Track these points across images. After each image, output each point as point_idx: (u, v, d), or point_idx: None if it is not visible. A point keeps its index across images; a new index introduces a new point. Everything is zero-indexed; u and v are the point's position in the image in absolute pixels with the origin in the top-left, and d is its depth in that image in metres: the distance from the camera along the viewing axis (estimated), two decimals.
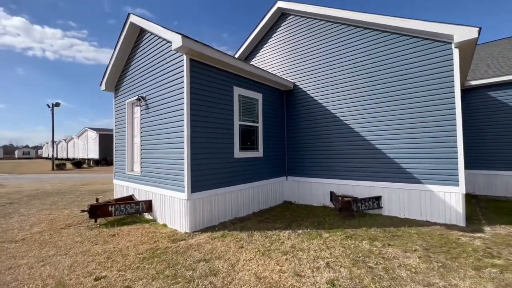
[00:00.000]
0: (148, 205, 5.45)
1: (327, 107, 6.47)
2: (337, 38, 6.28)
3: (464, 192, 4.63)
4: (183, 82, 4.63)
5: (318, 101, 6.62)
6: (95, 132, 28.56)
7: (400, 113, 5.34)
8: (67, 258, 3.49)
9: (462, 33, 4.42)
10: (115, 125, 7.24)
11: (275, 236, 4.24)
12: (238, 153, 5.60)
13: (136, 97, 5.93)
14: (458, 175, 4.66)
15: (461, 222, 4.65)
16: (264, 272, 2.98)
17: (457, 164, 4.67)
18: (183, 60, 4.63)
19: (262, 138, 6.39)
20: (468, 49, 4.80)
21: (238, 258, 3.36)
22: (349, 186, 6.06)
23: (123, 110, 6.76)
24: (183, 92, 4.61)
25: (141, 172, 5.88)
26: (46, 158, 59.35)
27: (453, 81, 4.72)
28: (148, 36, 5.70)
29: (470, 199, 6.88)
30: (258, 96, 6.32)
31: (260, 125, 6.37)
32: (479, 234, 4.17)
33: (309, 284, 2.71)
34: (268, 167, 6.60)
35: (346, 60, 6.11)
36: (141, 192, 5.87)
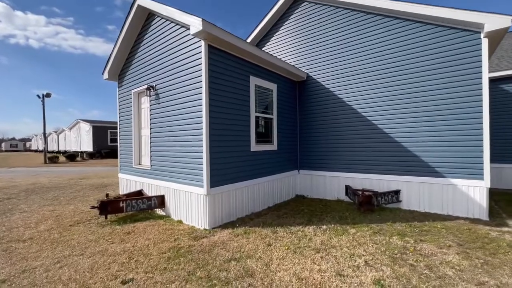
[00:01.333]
0: (160, 201, 5.19)
1: (341, 98, 6.26)
2: (354, 27, 6.02)
3: (489, 186, 4.56)
4: (200, 70, 4.32)
5: (333, 91, 6.41)
6: (89, 124, 27.66)
7: (422, 105, 5.18)
8: (84, 258, 3.24)
9: (494, 22, 4.24)
10: (120, 116, 6.86)
11: (300, 232, 4.08)
12: (254, 146, 5.37)
13: (145, 86, 5.57)
14: (483, 169, 4.57)
15: (485, 216, 4.59)
16: (303, 272, 2.81)
17: (483, 157, 4.57)
18: (200, 46, 4.31)
19: (276, 130, 6.17)
20: (496, 39, 4.64)
21: (270, 257, 3.18)
22: (365, 179, 5.94)
23: (129, 100, 6.39)
24: (201, 81, 4.31)
25: (151, 166, 5.59)
26: (35, 151, 57.55)
27: (481, 72, 4.57)
28: (159, 21, 5.31)
29: None
30: (273, 87, 6.06)
31: (274, 117, 6.13)
32: (506, 229, 4.11)
33: (355, 284, 2.56)
34: (282, 161, 6.41)
35: (364, 49, 5.87)
36: (151, 186, 5.59)
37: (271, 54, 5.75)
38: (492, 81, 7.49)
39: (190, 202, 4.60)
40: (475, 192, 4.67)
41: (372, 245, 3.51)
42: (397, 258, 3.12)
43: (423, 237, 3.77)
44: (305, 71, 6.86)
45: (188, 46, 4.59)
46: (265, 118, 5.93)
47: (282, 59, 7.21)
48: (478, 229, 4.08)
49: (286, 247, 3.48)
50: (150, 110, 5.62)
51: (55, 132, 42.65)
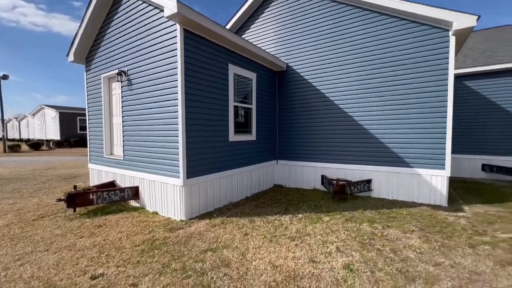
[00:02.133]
0: (134, 192, 5.00)
1: (319, 90, 6.35)
2: (333, 18, 6.04)
3: (449, 175, 4.96)
4: (176, 56, 4.11)
5: (311, 83, 6.47)
6: (55, 110, 25.53)
7: (392, 98, 5.42)
8: (49, 254, 3.05)
9: (462, 21, 4.47)
10: (88, 103, 6.40)
11: (277, 221, 4.16)
12: (232, 136, 5.31)
13: (116, 71, 5.21)
14: (445, 159, 4.94)
15: (444, 203, 5.01)
16: (278, 260, 2.89)
17: (445, 149, 4.93)
18: (176, 30, 4.08)
19: (255, 121, 6.14)
20: (463, 37, 4.91)
21: (247, 246, 3.23)
22: (339, 169, 6.17)
23: (98, 86, 5.96)
24: (176, 68, 4.11)
25: (124, 156, 5.33)
26: None
27: (448, 68, 4.84)
28: (129, 0, 4.92)
29: None
30: (252, 76, 5.96)
31: (253, 107, 6.08)
32: (461, 214, 4.53)
33: (326, 269, 2.68)
34: (261, 151, 6.43)
35: (341, 41, 5.94)
36: (124, 177, 5.35)
37: (251, 43, 5.61)
38: (456, 77, 8.02)
39: (166, 193, 4.48)
40: (437, 181, 5.05)
41: (344, 232, 3.69)
42: (366, 243, 3.32)
43: (390, 223, 4.03)
44: (285, 61, 6.82)
45: (162, 30, 4.33)
46: (244, 108, 5.86)
47: (262, 48, 7.09)
48: (438, 215, 4.44)
49: (263, 236, 3.54)
50: (122, 97, 5.29)
51: (16, 118, 39.02)
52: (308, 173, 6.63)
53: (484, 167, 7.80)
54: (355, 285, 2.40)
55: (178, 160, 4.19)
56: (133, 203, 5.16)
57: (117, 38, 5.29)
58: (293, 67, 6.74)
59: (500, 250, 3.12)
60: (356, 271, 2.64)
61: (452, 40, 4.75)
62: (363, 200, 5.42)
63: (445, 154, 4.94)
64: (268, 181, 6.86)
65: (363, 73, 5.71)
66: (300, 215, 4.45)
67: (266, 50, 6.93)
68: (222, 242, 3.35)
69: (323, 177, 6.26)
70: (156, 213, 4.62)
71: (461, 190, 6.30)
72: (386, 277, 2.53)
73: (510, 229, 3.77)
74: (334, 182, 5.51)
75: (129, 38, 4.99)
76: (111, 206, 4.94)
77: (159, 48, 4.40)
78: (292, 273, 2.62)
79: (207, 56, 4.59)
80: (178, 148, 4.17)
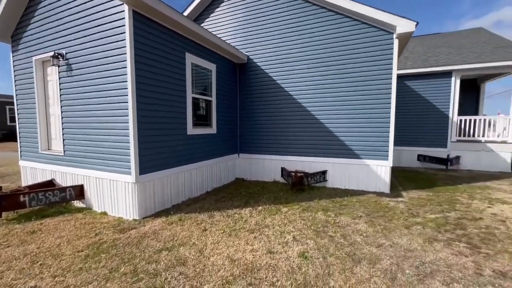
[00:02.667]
0: (78, 191, 4.48)
1: (279, 84, 6.46)
2: (291, 13, 6.14)
3: (391, 165, 5.54)
4: (124, 40, 3.72)
5: (272, 77, 6.53)
6: None
7: (344, 95, 5.78)
8: None
9: (404, 25, 4.94)
10: (17, 89, 5.46)
11: (236, 215, 4.16)
12: (191, 130, 5.09)
13: (51, 53, 4.51)
14: (388, 151, 5.49)
15: (387, 190, 5.60)
16: (236, 253, 2.89)
17: (389, 141, 5.47)
18: (123, 11, 3.68)
19: (215, 113, 5.98)
20: (404, 40, 5.44)
21: (205, 242, 3.15)
22: (298, 162, 6.42)
23: (29, 70, 5.11)
24: (125, 53, 3.73)
25: (64, 151, 4.71)
26: None
27: (392, 69, 5.34)
28: None
29: None
30: (212, 67, 5.76)
31: (213, 99, 5.90)
32: (400, 199, 5.12)
33: (283, 259, 2.77)
34: (222, 144, 6.32)
35: (299, 37, 6.10)
36: (66, 175, 4.75)
37: (210, 32, 5.39)
38: (399, 77, 8.93)
39: (115, 192, 4.10)
40: (381, 171, 5.61)
41: (301, 222, 3.86)
42: (320, 231, 3.52)
43: (341, 211, 4.35)
44: (246, 53, 6.74)
45: (108, 10, 3.86)
46: (203, 100, 5.65)
47: (223, 38, 6.88)
48: (382, 201, 4.94)
49: (222, 231, 3.50)
50: (59, 83, 4.62)
51: None
52: (269, 166, 6.76)
53: (419, 157, 8.93)
54: (308, 272, 2.53)
55: (129, 155, 3.85)
56: (77, 203, 4.63)
57: (54, 15, 4.57)
58: (254, 60, 6.71)
59: (429, 229, 3.60)
60: (310, 258, 2.78)
61: (396, 42, 5.23)
62: (319, 190, 5.74)
63: (388, 147, 5.48)
64: (230, 174, 6.81)
65: (320, 69, 5.97)
66: (260, 208, 4.52)
67: (226, 41, 6.74)
68: (179, 240, 3.21)
69: (282, 169, 6.44)
70: (105, 213, 4.22)
71: (401, 178, 7.12)
72: (336, 261, 2.72)
73: (437, 210, 4.39)
74: (293, 174, 5.71)
75: (69, 16, 4.35)
76: (50, 208, 4.35)
77: (104, 31, 3.93)
78: (250, 265, 2.64)
79: (161, 42, 4.26)
80: (128, 142, 3.83)
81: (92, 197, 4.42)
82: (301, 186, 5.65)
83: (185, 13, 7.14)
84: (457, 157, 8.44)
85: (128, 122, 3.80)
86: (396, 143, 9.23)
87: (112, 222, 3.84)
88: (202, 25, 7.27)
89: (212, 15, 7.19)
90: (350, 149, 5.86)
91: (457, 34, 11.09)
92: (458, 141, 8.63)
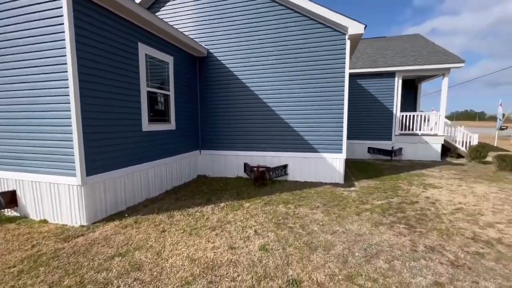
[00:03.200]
0: (9, 198, 3.86)
1: (240, 79, 6.43)
2: (252, 9, 6.12)
3: (345, 158, 5.98)
4: (62, 24, 3.28)
5: (232, 71, 6.47)
6: None
7: (303, 90, 6.02)
8: None
9: (355, 27, 5.31)
10: None
11: (198, 213, 4.06)
12: (147, 126, 4.77)
13: None
14: (342, 145, 5.91)
15: (342, 181, 6.04)
16: (197, 252, 2.82)
17: (342, 136, 5.89)
18: None
19: (174, 108, 5.70)
20: (355, 41, 5.86)
21: (163, 244, 3.01)
22: (260, 157, 6.52)
23: None
24: (63, 39, 3.29)
25: None
26: None
27: (344, 68, 5.72)
28: None
29: None
30: (169, 59, 5.46)
31: (172, 93, 5.61)
32: (353, 188, 5.57)
33: (244, 254, 2.80)
34: (182, 141, 6.07)
35: (259, 32, 6.13)
36: None
37: (166, 22, 5.07)
38: (351, 76, 9.64)
39: (57, 196, 3.65)
40: (336, 163, 6.02)
41: (262, 215, 3.93)
42: (280, 223, 3.64)
43: (301, 203, 4.56)
44: (206, 46, 6.54)
45: None
46: (160, 95, 5.33)
47: (181, 30, 6.55)
48: (336, 191, 5.32)
49: (182, 231, 3.38)
50: None
51: None
52: (231, 162, 6.73)
53: (369, 149, 9.82)
54: (269, 264, 2.60)
55: (72, 155, 3.45)
56: (8, 212, 4.00)
57: None
58: (214, 53, 6.54)
59: (376, 214, 4.00)
60: (270, 250, 2.86)
61: (348, 43, 5.60)
62: (280, 184, 5.92)
63: (342, 140, 5.90)
64: (191, 172, 6.60)
65: (279, 65, 6.10)
66: (222, 204, 4.48)
67: (184, 33, 6.44)
68: (134, 244, 3.01)
69: (245, 164, 6.48)
70: (45, 221, 3.73)
71: (354, 169, 7.75)
72: (295, 251, 2.85)
73: (382, 197, 4.89)
74: (255, 169, 5.79)
75: None
76: None
77: (38, 12, 3.40)
78: (211, 263, 2.61)
79: (109, 30, 3.86)
80: (71, 141, 3.42)
81: (28, 204, 3.86)
82: (263, 181, 5.76)
83: (137, 0, 6.60)
84: (400, 149, 9.51)
85: (70, 118, 3.39)
86: (349, 137, 9.98)
87: (54, 230, 3.41)
88: (158, 12, 6.81)
89: (168, 4, 6.77)
90: (309, 143, 6.15)
91: (400, 38, 12.38)
92: (400, 134, 9.71)
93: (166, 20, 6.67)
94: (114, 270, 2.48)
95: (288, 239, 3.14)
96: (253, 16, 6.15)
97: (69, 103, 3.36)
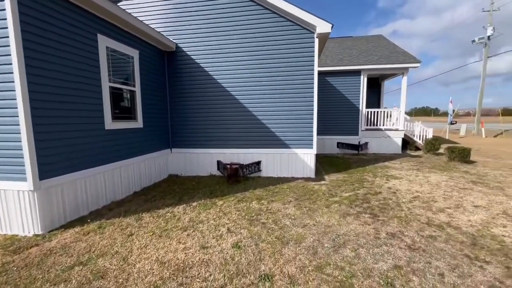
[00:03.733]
0: None
1: (212, 75, 6.31)
2: (222, 4, 6.01)
3: (316, 153, 6.20)
4: (4, 10, 2.90)
5: (203, 67, 6.31)
6: None
7: (275, 87, 6.09)
8: None
9: (323, 26, 5.48)
10: None
11: (169, 213, 3.92)
12: (110, 124, 4.46)
13: None
14: (312, 140, 6.11)
15: (313, 175, 6.26)
16: (167, 255, 2.72)
17: (313, 132, 6.08)
18: None
19: (141, 105, 5.40)
20: (323, 40, 6.05)
21: (130, 248, 2.85)
22: (234, 154, 6.48)
23: None
24: (6, 27, 2.92)
25: None
26: None
27: (314, 65, 5.89)
28: None
29: None
30: (134, 53, 5.14)
31: (138, 89, 5.30)
32: (323, 182, 5.80)
33: (216, 252, 2.76)
34: (150, 140, 5.79)
35: (229, 28, 6.05)
36: None
37: (128, 13, 4.75)
38: (321, 73, 9.98)
39: (4, 204, 3.26)
40: (308, 158, 6.21)
41: (235, 213, 3.92)
42: (254, 219, 3.66)
43: (274, 198, 4.63)
44: (174, 41, 6.28)
45: None
46: (125, 91, 5.01)
47: (147, 22, 6.19)
48: (308, 185, 5.49)
49: (151, 233, 3.24)
50: None
51: None
52: (204, 160, 6.60)
53: (338, 144, 10.29)
54: (241, 261, 2.60)
55: (22, 157, 3.10)
56: None
57: None
58: (183, 49, 6.31)
59: (344, 205, 4.21)
60: (243, 247, 2.86)
61: (316, 41, 5.77)
62: (254, 180, 5.96)
63: (312, 136, 6.09)
64: (162, 171, 6.35)
65: (251, 61, 6.09)
66: (194, 203, 4.38)
67: (152, 26, 6.10)
68: (98, 251, 2.81)
69: (218, 162, 6.40)
70: None
71: (324, 164, 8.07)
72: (267, 246, 2.89)
73: (350, 189, 5.16)
74: (228, 166, 5.74)
75: None
76: None
77: None
78: (182, 265, 2.53)
79: (62, 19, 3.51)
80: (20, 141, 3.07)
81: None
82: (236, 178, 5.74)
83: None
84: (366, 143, 10.11)
85: (17, 116, 3.04)
86: (320, 133, 10.37)
87: (2, 242, 3.06)
88: (123, 6, 6.35)
89: None
90: (281, 139, 6.25)
91: (364, 39, 13.08)
92: (366, 129, 10.31)
93: (132, 13, 6.26)
94: (74, 281, 2.29)
95: (261, 235, 3.17)
96: (223, 11, 6.03)
97: (15, 99, 3.01)
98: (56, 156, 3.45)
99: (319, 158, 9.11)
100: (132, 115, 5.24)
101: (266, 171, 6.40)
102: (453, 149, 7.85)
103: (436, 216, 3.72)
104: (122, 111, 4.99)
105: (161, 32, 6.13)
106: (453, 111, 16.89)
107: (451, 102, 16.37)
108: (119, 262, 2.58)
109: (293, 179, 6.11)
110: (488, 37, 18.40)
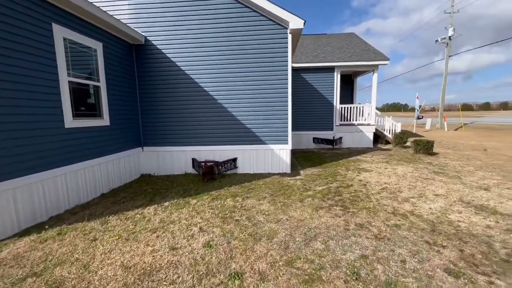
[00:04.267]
0: None
1: (184, 70, 6.10)
2: None
3: (291, 148, 6.27)
4: None
5: (175, 62, 6.08)
6: None
7: (250, 83, 6.04)
8: None
9: (294, 22, 5.50)
10: None
11: (138, 215, 3.74)
12: (71, 122, 4.14)
13: None
14: (287, 136, 6.17)
15: (289, 170, 6.34)
16: (133, 259, 2.58)
17: (288, 128, 6.14)
18: None
19: (107, 101, 5.08)
20: (296, 36, 6.08)
21: (93, 255, 2.67)
22: (209, 151, 6.36)
23: None
24: None
25: None
26: None
27: (287, 61, 5.91)
28: None
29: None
30: (97, 45, 4.80)
31: (103, 84, 4.97)
32: (298, 177, 5.89)
33: (186, 253, 2.68)
34: (119, 138, 5.48)
35: (201, 21, 5.88)
36: None
37: (90, 2, 4.41)
38: (296, 70, 10.10)
39: None
40: (283, 154, 6.27)
41: (209, 211, 3.84)
42: (227, 217, 3.61)
43: (249, 194, 4.61)
44: (143, 33, 5.96)
45: None
46: (88, 86, 4.67)
47: (112, 13, 5.80)
48: (283, 180, 5.55)
49: (117, 237, 3.06)
50: None
51: None
52: (179, 158, 6.41)
53: (314, 139, 10.53)
54: (212, 260, 2.54)
55: None
56: None
57: None
58: (153, 42, 6.02)
59: (317, 199, 4.30)
60: (214, 246, 2.81)
61: (290, 37, 5.79)
62: (230, 177, 5.89)
63: (288, 132, 6.15)
64: (133, 171, 6.06)
65: (224, 57, 5.97)
66: (166, 203, 4.22)
67: (118, 17, 5.72)
68: (55, 259, 2.60)
69: (193, 160, 6.24)
70: None
71: (301, 159, 8.21)
72: (239, 244, 2.86)
73: (323, 183, 5.29)
74: (203, 164, 5.62)
75: None
76: None
77: None
78: (149, 268, 2.42)
79: (9, 6, 3.15)
80: None
81: None
82: (212, 176, 5.64)
83: None
84: (340, 138, 10.45)
85: None
86: (297, 129, 10.53)
87: None
88: None
89: None
90: (257, 136, 6.24)
91: (338, 36, 13.43)
92: (340, 125, 10.65)
93: (96, 2, 5.82)
94: None
95: (234, 233, 3.13)
96: (194, 3, 5.83)
97: None
98: (5, 158, 3.12)
99: (296, 153, 9.27)
100: (97, 112, 4.90)
101: (243, 167, 6.37)
102: (419, 142, 8.37)
103: (401, 206, 3.93)
104: (86, 108, 4.65)
105: (129, 24, 5.79)
106: (420, 106, 18.01)
107: (417, 98, 17.44)
108: (79, 270, 2.41)
109: (269, 175, 6.13)
110: (449, 37, 19.79)
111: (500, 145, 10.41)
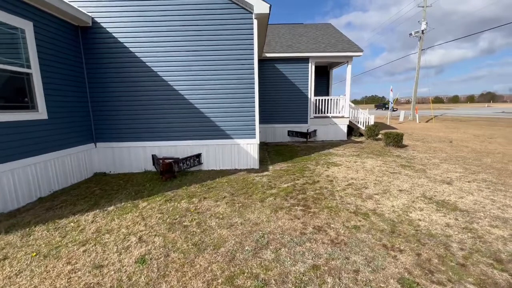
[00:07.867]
0: None
1: (140, 57, 5.48)
2: None
3: (258, 142, 5.94)
4: None
5: (129, 48, 5.44)
6: None
7: (214, 73, 5.58)
8: None
9: (259, 6, 5.07)
10: None
11: (72, 223, 3.25)
12: None
13: None
14: (255, 130, 5.82)
15: (257, 166, 6.02)
16: (42, 283, 2.13)
17: (255, 121, 5.78)
18: None
19: (42, 91, 4.39)
20: (263, 22, 5.66)
21: None
22: (171, 147, 5.87)
23: None
24: None
25: None
26: None
27: (253, 49, 5.49)
28: None
29: (263, 146, 9.19)
30: (25, 25, 4.07)
31: (36, 71, 4.27)
32: (266, 173, 5.59)
33: (112, 272, 2.27)
34: (62, 133, 4.83)
35: (160, 5, 5.27)
36: None
37: None
38: (269, 60, 9.69)
39: None
40: (251, 149, 5.93)
41: (157, 216, 3.43)
42: (176, 223, 3.23)
43: (207, 194, 4.23)
44: (90, 14, 5.24)
45: None
46: (14, 73, 3.97)
47: None
48: (249, 177, 5.23)
49: (35, 253, 2.58)
50: None
51: None
52: (137, 155, 5.86)
53: (289, 133, 10.29)
54: (139, 281, 2.16)
55: None
56: None
57: None
58: (102, 24, 5.32)
59: (279, 198, 4.03)
60: (149, 261, 2.42)
61: (255, 22, 5.35)
62: (192, 175, 5.47)
63: (255, 126, 5.80)
64: (84, 170, 5.43)
65: (184, 44, 5.44)
66: (111, 207, 3.75)
67: None
68: None
69: (153, 156, 5.72)
70: None
71: (273, 153, 7.93)
72: (179, 257, 2.49)
73: (290, 179, 5.04)
74: (161, 161, 5.14)
75: None
76: None
77: None
78: None
79: None
80: None
81: None
82: (172, 174, 5.18)
83: None
84: (314, 131, 10.30)
85: None
86: (271, 121, 10.24)
87: None
88: None
89: None
90: (222, 130, 5.83)
91: (314, 26, 13.13)
92: (315, 117, 10.48)
93: None
94: None
95: (177, 242, 2.76)
96: None
97: None
98: None
99: (269, 147, 8.99)
100: (29, 104, 4.22)
101: (208, 164, 5.96)
102: (389, 135, 8.40)
103: (364, 204, 3.76)
104: (13, 99, 3.97)
105: (72, 3, 5.03)
106: (394, 99, 18.41)
107: (391, 90, 17.78)
108: None
109: (235, 171, 5.79)
110: (422, 31, 20.25)
111: (464, 136, 10.83)
